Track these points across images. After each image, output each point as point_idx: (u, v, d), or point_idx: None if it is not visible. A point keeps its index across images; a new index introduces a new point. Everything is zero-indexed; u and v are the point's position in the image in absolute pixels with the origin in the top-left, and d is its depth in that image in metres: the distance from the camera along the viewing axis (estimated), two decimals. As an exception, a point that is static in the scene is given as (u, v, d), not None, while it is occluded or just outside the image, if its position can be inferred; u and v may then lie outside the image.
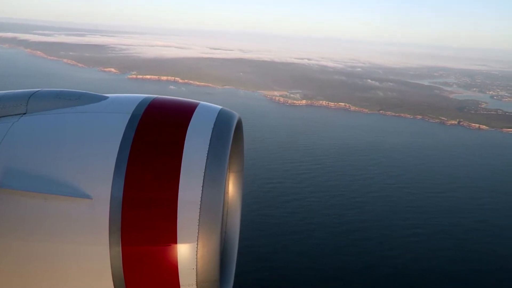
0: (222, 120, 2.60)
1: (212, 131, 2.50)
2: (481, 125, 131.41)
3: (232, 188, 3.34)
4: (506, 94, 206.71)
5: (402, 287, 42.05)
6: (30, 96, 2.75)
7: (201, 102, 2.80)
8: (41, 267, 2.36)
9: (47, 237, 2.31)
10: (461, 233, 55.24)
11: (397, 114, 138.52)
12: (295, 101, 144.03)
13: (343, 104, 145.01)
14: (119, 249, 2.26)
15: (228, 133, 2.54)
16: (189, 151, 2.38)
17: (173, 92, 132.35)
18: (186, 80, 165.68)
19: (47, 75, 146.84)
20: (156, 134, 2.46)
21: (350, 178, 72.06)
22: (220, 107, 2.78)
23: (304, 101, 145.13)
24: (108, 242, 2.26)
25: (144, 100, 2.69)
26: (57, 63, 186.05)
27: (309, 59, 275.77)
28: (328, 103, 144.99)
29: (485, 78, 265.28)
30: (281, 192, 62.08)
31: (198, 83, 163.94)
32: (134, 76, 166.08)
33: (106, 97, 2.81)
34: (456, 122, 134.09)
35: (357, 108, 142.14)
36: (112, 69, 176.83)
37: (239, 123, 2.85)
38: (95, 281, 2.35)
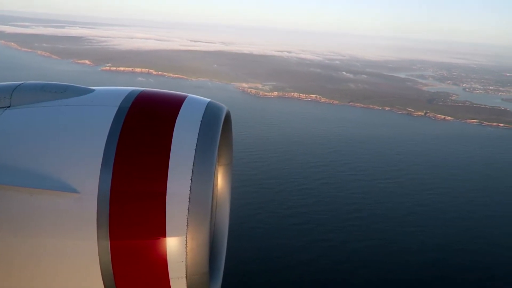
0: (211, 113, 2.59)
1: (201, 124, 2.48)
2: (446, 116, 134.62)
3: (221, 181, 3.39)
4: (478, 87, 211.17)
5: (331, 264, 44.19)
6: (14, 89, 2.70)
7: (190, 95, 2.79)
8: (28, 263, 2.33)
9: (33, 233, 2.27)
10: (400, 216, 57.70)
11: (366, 106, 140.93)
12: (266, 93, 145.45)
13: (314, 96, 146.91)
14: (107, 243, 2.23)
15: (217, 126, 2.53)
16: (178, 144, 2.36)
17: (140, 83, 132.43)
18: (160, 72, 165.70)
19: (19, 66, 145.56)
20: (144, 127, 2.43)
21: (303, 166, 74.09)
22: (209, 99, 2.78)
23: (275, 93, 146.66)
24: (96, 236, 2.23)
25: (132, 93, 2.66)
26: (31, 55, 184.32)
27: (289, 52, 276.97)
28: (299, 95, 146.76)
29: (462, 71, 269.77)
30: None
31: (172, 75, 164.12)
32: (108, 68, 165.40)
33: (92, 90, 2.78)
34: (423, 114, 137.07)
35: (327, 100, 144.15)
36: (87, 61, 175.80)
37: (228, 116, 2.86)
38: (83, 276, 2.34)
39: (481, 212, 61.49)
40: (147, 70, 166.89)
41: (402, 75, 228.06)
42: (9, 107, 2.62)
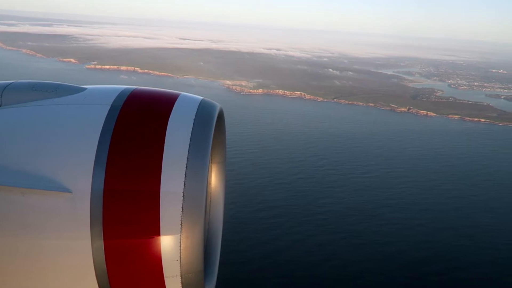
0: (204, 111, 2.58)
1: (194, 122, 2.47)
2: (429, 112, 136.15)
3: (214, 179, 3.38)
4: (464, 83, 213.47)
5: (301, 254, 45.01)
6: (4, 88, 2.67)
7: (182, 92, 2.78)
8: (21, 263, 2.31)
9: (26, 233, 2.26)
10: (371, 209, 58.69)
11: (350, 102, 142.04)
12: (251, 90, 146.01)
13: (298, 93, 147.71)
14: (101, 242, 2.23)
15: (210, 124, 2.52)
16: (171, 142, 2.35)
17: (123, 81, 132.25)
18: (146, 70, 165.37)
19: (3, 65, 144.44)
20: (137, 125, 2.42)
21: (281, 162, 74.85)
22: (201, 97, 2.77)
23: (260, 90, 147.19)
24: (89, 236, 2.22)
25: (124, 91, 2.65)
26: (16, 53, 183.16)
27: (277, 50, 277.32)
28: (284, 92, 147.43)
29: (449, 68, 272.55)
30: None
31: (158, 73, 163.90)
32: (93, 66, 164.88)
33: (84, 89, 2.77)
34: (406, 110, 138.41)
35: (312, 97, 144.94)
36: (72, 59, 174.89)
37: (221, 114, 2.85)
38: (77, 275, 2.33)
39: (451, 204, 62.72)
40: (133, 68, 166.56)
41: (389, 72, 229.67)
42: None
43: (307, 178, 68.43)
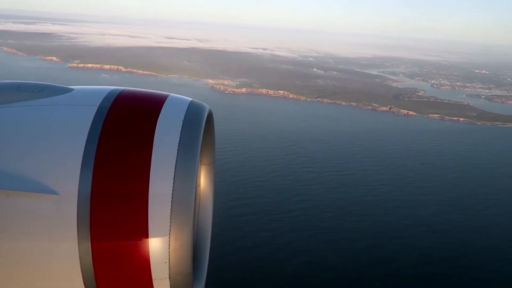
0: (193, 112, 2.56)
1: (183, 123, 2.45)
2: (409, 111, 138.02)
3: (204, 180, 3.36)
4: (446, 83, 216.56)
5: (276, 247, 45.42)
6: None
7: (171, 94, 2.76)
8: (8, 267, 2.28)
9: (11, 236, 2.22)
10: (343, 207, 59.41)
11: (333, 101, 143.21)
12: (234, 89, 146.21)
13: (282, 92, 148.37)
14: (88, 245, 2.20)
15: (199, 125, 2.50)
16: (160, 144, 2.33)
17: (105, 80, 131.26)
18: (129, 69, 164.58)
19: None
20: (125, 126, 2.39)
21: (259, 160, 75.21)
22: (191, 99, 2.75)
23: (244, 89, 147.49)
24: (76, 238, 2.19)
25: (112, 92, 2.62)
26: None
27: (264, 49, 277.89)
28: (268, 91, 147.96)
29: (433, 68, 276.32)
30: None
31: (141, 71, 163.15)
32: (75, 65, 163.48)
33: (71, 89, 2.73)
34: (387, 109, 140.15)
35: (295, 96, 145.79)
36: (54, 58, 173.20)
37: (210, 115, 2.83)
38: (64, 279, 2.29)
39: (425, 201, 63.78)
40: (116, 67, 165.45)
41: (373, 72, 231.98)
42: None
43: (283, 176, 68.91)
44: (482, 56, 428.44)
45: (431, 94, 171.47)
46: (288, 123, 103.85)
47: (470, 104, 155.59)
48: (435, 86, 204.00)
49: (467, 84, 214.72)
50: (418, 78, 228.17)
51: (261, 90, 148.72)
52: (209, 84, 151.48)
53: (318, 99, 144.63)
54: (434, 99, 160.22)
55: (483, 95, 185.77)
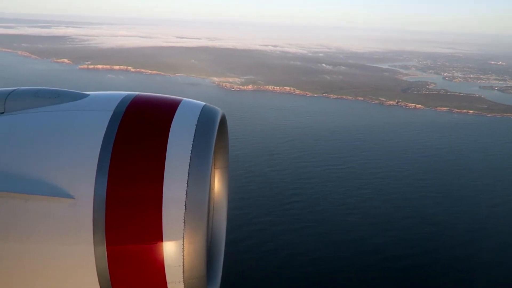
0: (206, 116, 2.60)
1: (196, 127, 2.49)
2: (417, 105, 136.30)
3: (217, 184, 3.39)
4: (459, 75, 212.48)
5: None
6: (8, 95, 2.70)
7: (184, 98, 2.80)
8: (25, 269, 2.32)
9: (29, 239, 2.26)
10: (337, 200, 59.60)
11: (339, 97, 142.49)
12: (241, 87, 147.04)
13: (288, 88, 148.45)
14: (103, 248, 2.23)
15: (212, 129, 2.54)
16: (173, 148, 2.37)
17: (110, 81, 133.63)
18: (138, 69, 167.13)
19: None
20: (139, 131, 2.44)
21: (256, 155, 75.82)
22: (204, 103, 2.80)
23: (250, 86, 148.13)
24: (92, 241, 2.23)
25: (126, 97, 2.68)
26: (11, 55, 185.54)
27: (274, 46, 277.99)
28: (274, 88, 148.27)
29: (446, 60, 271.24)
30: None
31: (150, 71, 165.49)
32: (86, 66, 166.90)
33: (87, 95, 2.79)
34: (394, 103, 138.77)
35: (301, 92, 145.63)
36: (65, 60, 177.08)
37: (223, 119, 2.88)
38: (80, 282, 2.33)
39: (422, 193, 63.38)
40: (125, 67, 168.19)
41: (384, 66, 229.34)
42: (3, 113, 2.63)
43: (280, 170, 69.36)
44: (498, 47, 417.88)
45: (442, 87, 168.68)
46: (290, 119, 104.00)
47: (482, 96, 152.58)
48: (447, 78, 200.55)
49: (481, 76, 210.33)
50: (431, 71, 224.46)
51: (267, 86, 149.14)
52: (216, 82, 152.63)
53: (324, 94, 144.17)
54: (444, 92, 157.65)
55: (496, 87, 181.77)
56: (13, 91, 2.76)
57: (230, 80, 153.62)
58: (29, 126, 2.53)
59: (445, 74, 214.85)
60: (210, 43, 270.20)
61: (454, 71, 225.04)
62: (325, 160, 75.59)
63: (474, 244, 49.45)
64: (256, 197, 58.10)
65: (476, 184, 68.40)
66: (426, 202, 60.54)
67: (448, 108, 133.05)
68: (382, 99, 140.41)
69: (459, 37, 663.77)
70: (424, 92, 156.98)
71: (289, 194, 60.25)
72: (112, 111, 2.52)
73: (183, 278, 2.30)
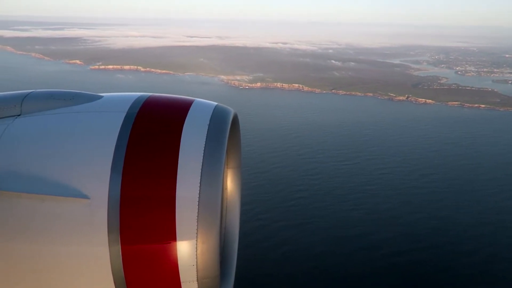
0: (218, 116, 2.62)
1: (208, 127, 2.50)
2: (427, 100, 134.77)
3: (230, 184, 3.42)
4: (472, 69, 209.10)
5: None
6: (24, 98, 2.76)
7: (196, 98, 2.83)
8: (41, 268, 2.36)
9: (45, 238, 2.30)
10: (341, 195, 59.54)
11: (348, 93, 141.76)
12: (249, 84, 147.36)
13: (297, 85, 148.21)
14: (118, 248, 2.26)
15: (224, 129, 2.55)
16: (186, 148, 2.39)
17: (119, 81, 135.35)
18: (148, 69, 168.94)
19: (13, 70, 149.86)
20: (152, 132, 2.46)
21: (261, 152, 76.07)
22: (216, 103, 2.83)
23: (258, 84, 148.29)
24: (107, 241, 2.26)
25: (139, 98, 2.71)
26: (25, 57, 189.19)
27: (284, 43, 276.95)
28: (282, 85, 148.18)
29: (460, 55, 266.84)
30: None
31: (159, 71, 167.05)
32: (97, 67, 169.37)
33: (101, 96, 2.85)
34: (404, 98, 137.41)
35: (309, 89, 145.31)
36: (77, 61, 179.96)
37: (235, 119, 2.90)
38: (95, 280, 2.36)
39: (427, 188, 62.85)
40: (136, 67, 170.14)
41: (395, 61, 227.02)
42: (19, 115, 2.68)
43: (285, 167, 69.53)
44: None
45: (454, 82, 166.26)
46: (297, 116, 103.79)
47: (495, 90, 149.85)
48: (459, 73, 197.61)
49: (495, 70, 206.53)
50: (443, 65, 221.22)
51: (275, 84, 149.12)
52: (224, 80, 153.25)
53: (333, 91, 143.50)
54: (456, 86, 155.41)
55: (510, 81, 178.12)
56: (29, 93, 2.81)
57: (238, 78, 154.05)
58: (45, 128, 2.57)
59: (457, 68, 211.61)
60: (220, 42, 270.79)
61: (467, 65, 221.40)
62: (331, 156, 75.47)
63: (480, 239, 48.93)
64: (260, 193, 58.35)
65: (485, 179, 67.45)
66: (431, 197, 60.00)
67: (459, 103, 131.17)
68: (391, 94, 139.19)
69: (474, 30, 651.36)
70: (435, 87, 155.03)
71: (292, 190, 60.41)
72: (126, 112, 2.55)
73: (197, 277, 2.31)
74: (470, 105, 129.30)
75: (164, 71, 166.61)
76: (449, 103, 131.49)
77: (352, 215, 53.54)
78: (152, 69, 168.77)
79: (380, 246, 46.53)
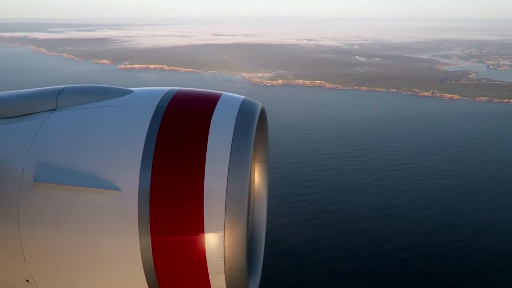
0: (245, 110, 2.65)
1: (236, 121, 2.53)
2: (453, 95, 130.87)
3: (257, 177, 3.47)
4: (506, 63, 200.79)
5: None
6: (59, 93, 2.84)
7: (224, 92, 2.86)
8: (74, 259, 2.45)
9: (79, 228, 2.38)
10: (352, 191, 59.30)
11: (371, 89, 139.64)
12: (271, 82, 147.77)
13: (318, 82, 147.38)
14: (148, 239, 2.31)
15: (252, 123, 2.58)
16: (214, 142, 2.42)
17: (142, 79, 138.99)
18: (172, 67, 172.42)
19: (45, 70, 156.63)
20: (181, 125, 2.51)
21: (276, 148, 76.47)
22: (243, 97, 2.85)
23: (280, 81, 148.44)
24: (137, 232, 2.31)
25: (168, 92, 2.77)
26: (57, 59, 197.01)
27: (308, 40, 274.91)
28: (304, 82, 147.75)
29: (493, 48, 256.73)
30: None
31: (183, 69, 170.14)
32: (124, 66, 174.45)
33: (131, 91, 2.92)
34: (429, 94, 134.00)
35: (332, 85, 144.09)
36: (105, 61, 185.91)
37: (263, 113, 2.93)
38: (126, 270, 2.43)
39: (441, 184, 61.58)
40: (161, 66, 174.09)
41: (424, 56, 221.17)
42: (55, 109, 2.76)
43: (297, 163, 69.80)
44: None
45: (484, 76, 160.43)
46: (315, 112, 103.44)
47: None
48: (491, 67, 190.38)
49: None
50: (474, 60, 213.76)
51: (297, 81, 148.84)
52: (246, 78, 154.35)
53: (355, 87, 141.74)
54: (486, 81, 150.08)
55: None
56: (63, 88, 2.90)
57: (260, 75, 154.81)
58: (79, 122, 2.66)
59: (489, 62, 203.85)
60: (245, 40, 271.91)
61: (500, 59, 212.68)
62: (346, 152, 74.99)
63: (492, 236, 47.71)
64: (271, 188, 58.96)
65: (504, 175, 65.33)
66: (443, 193, 58.69)
67: (487, 98, 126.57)
68: (416, 90, 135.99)
69: (510, 22, 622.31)
70: (463, 82, 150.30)
71: (303, 186, 60.72)
72: (155, 106, 2.61)
73: (224, 269, 2.34)
74: (499, 100, 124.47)
75: (188, 69, 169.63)
76: (477, 98, 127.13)
77: (360, 211, 53.31)
78: (177, 68, 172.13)
79: (388, 241, 46.23)
